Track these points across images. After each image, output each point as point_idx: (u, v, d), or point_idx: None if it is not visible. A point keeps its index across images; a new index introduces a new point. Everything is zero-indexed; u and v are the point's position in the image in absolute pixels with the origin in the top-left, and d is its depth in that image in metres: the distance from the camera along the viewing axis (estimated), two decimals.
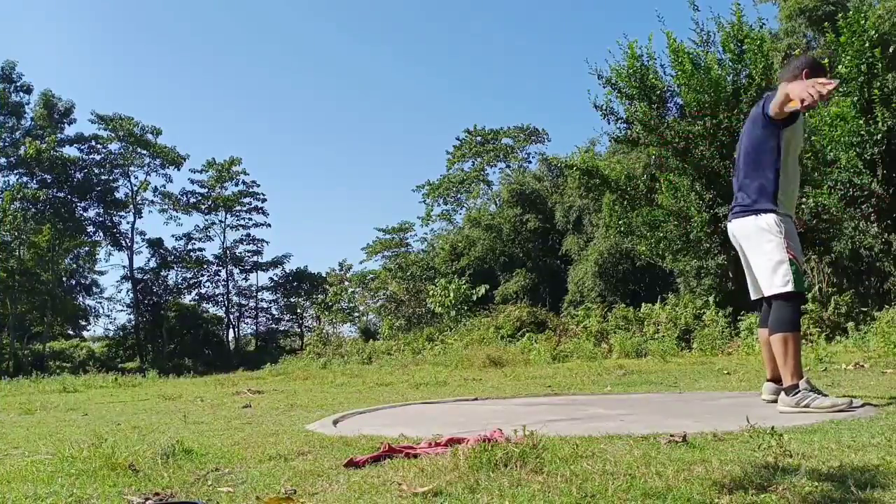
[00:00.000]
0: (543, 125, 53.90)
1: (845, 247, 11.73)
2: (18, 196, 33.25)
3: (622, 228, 14.73)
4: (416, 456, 2.23)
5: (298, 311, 45.17)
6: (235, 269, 44.16)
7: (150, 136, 39.57)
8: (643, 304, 14.09)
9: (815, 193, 11.68)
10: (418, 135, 67.30)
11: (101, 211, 39.93)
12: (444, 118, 66.07)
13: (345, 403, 5.13)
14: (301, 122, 66.58)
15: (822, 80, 3.03)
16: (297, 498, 1.78)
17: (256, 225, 43.87)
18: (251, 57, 68.00)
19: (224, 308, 43.35)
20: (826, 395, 3.17)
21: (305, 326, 44.54)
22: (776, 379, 3.62)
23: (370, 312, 33.92)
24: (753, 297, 3.64)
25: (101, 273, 42.25)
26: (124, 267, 40.55)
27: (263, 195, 43.46)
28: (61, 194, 37.90)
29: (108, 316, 46.85)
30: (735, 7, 12.60)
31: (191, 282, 43.19)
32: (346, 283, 39.97)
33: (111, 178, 40.17)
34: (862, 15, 10.99)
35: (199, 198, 42.60)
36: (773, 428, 2.07)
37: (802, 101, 2.97)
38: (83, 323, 41.39)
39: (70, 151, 38.30)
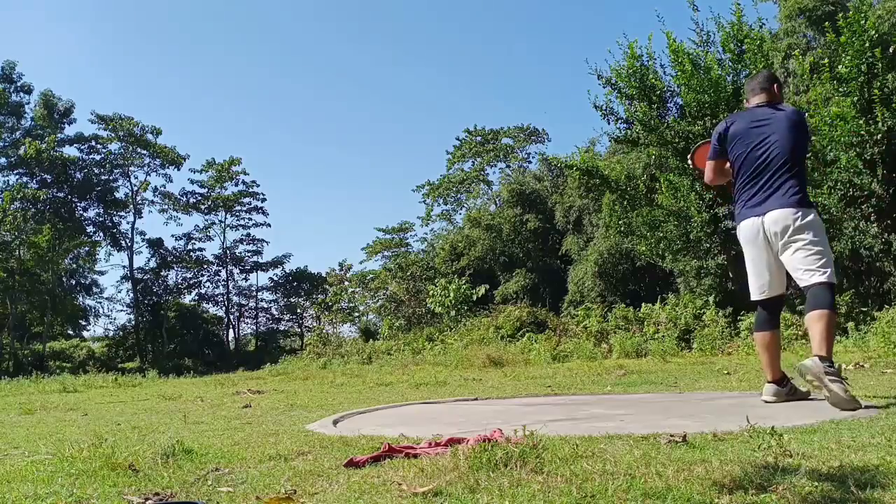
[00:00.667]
0: (543, 125, 53.79)
1: (845, 247, 11.72)
2: (18, 196, 33.17)
3: (622, 228, 14.72)
4: (416, 456, 2.23)
5: (298, 311, 45.17)
6: (235, 269, 44.20)
7: (150, 136, 39.57)
8: (643, 304, 14.07)
9: (814, 193, 11.66)
10: (418, 135, 67.41)
11: (101, 211, 39.89)
12: (444, 118, 66.16)
13: (345, 403, 5.14)
14: (301, 122, 66.70)
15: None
16: (297, 498, 1.78)
17: (256, 225, 43.93)
18: (251, 57, 68.15)
19: (224, 308, 43.38)
20: (843, 382, 3.14)
21: (305, 326, 44.51)
22: (777, 381, 3.67)
23: (370, 312, 33.93)
24: (768, 294, 3.62)
25: (101, 273, 42.39)
26: (124, 267, 40.60)
27: (263, 195, 43.52)
28: (61, 194, 37.84)
29: (108, 316, 47.20)
30: (735, 7, 12.62)
31: (191, 282, 43.25)
32: (346, 283, 40.00)
33: (111, 178, 40.14)
34: (862, 15, 10.97)
35: (199, 198, 42.59)
36: (773, 428, 2.08)
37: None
38: (83, 323, 41.41)
39: (70, 151, 38.31)
